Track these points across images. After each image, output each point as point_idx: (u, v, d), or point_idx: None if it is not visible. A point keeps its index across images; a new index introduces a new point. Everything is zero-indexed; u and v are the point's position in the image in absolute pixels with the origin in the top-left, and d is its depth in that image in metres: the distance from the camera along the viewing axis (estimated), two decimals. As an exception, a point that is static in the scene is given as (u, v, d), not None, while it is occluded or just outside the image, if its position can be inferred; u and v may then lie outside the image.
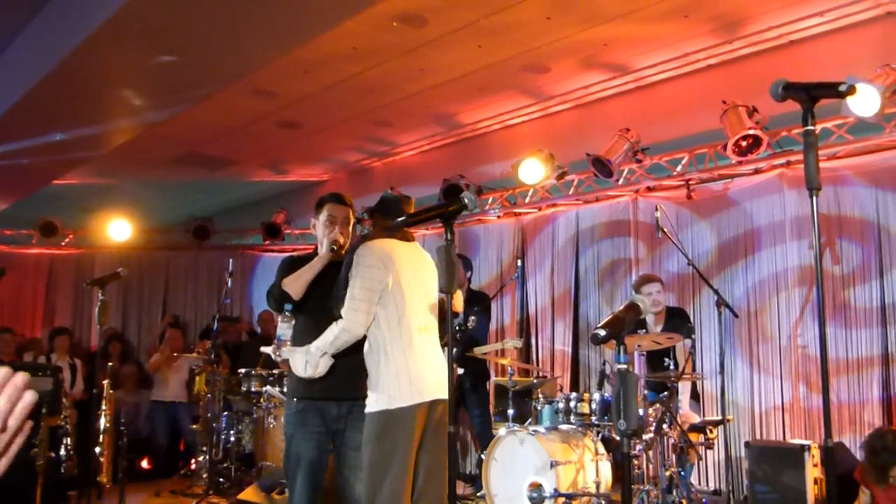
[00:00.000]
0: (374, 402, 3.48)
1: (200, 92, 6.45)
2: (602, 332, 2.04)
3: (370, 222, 3.98)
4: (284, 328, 3.74)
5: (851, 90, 1.98)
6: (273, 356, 3.79)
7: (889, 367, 5.77)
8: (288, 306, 3.79)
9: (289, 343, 3.74)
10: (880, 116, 5.37)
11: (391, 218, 3.57)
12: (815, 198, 2.10)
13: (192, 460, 8.09)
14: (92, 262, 10.01)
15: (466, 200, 2.64)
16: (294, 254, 4.30)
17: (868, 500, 4.44)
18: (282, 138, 8.59)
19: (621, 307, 2.22)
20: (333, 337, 3.51)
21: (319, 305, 3.88)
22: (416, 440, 3.43)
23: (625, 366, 1.99)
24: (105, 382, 6.81)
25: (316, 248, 4.01)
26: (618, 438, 5.32)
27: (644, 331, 5.61)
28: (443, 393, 3.48)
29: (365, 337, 3.65)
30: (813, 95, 2.05)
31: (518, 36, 6.14)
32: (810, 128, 2.08)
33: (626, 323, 2.14)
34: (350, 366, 3.77)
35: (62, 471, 6.52)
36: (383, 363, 3.48)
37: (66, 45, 5.54)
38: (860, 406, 5.85)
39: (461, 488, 6.61)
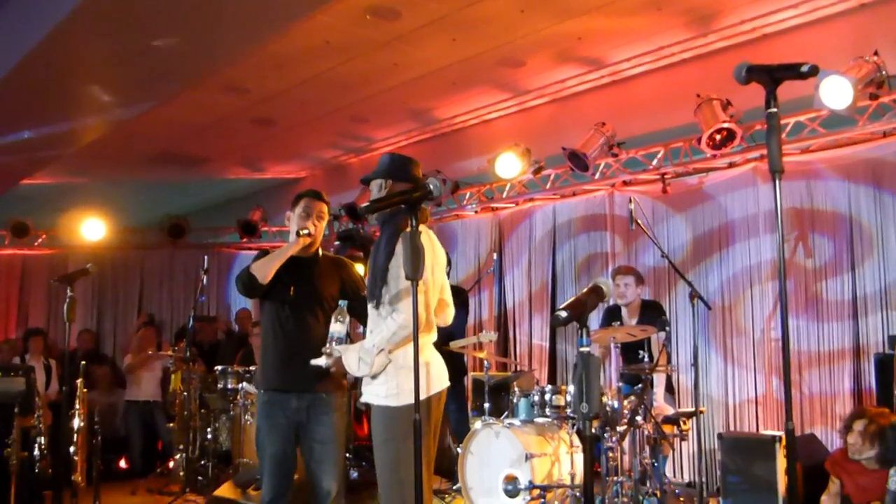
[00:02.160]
0: (394, 397, 3.24)
1: (170, 87, 6.40)
2: (563, 314, 2.02)
3: (388, 188, 3.40)
4: (338, 326, 3.53)
5: (814, 71, 1.99)
6: (324, 357, 3.52)
7: (860, 360, 5.81)
8: (342, 302, 3.65)
9: (336, 342, 3.53)
10: (853, 109, 5.39)
11: (407, 182, 3.28)
12: (778, 180, 2.10)
13: (169, 459, 8.02)
14: (65, 262, 9.86)
15: (431, 187, 2.62)
16: (269, 250, 4.27)
17: (837, 489, 4.46)
18: (256, 135, 8.53)
19: (584, 289, 2.22)
20: (391, 333, 3.23)
21: (303, 302, 3.92)
22: (432, 429, 3.31)
23: (587, 349, 1.98)
24: (78, 382, 6.74)
25: None
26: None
27: (619, 323, 5.61)
28: (447, 381, 3.41)
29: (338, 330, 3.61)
30: (775, 77, 2.05)
31: (492, 29, 6.13)
32: (773, 110, 2.08)
33: (589, 306, 2.13)
34: (310, 360, 3.76)
35: (36, 471, 6.45)
36: (401, 358, 3.26)
37: (31, 38, 5.46)
38: (831, 398, 5.89)
39: (437, 482, 6.58)
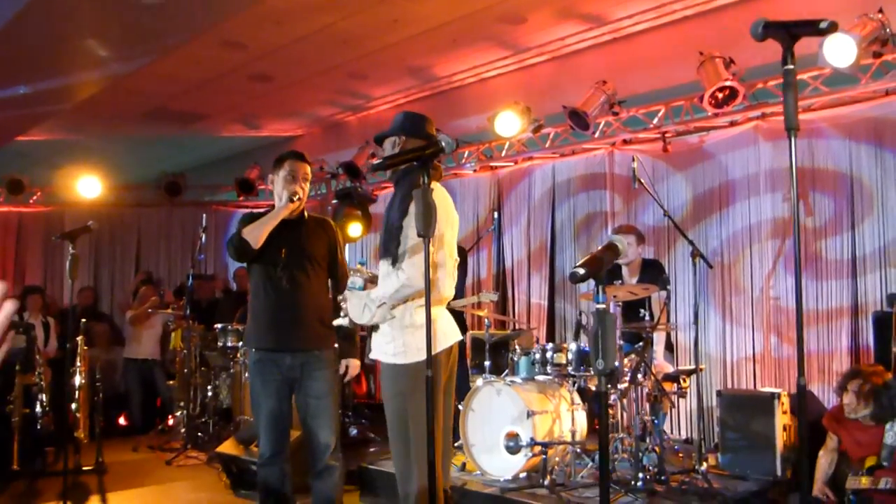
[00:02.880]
0: (402, 355, 3.27)
1: (167, 42, 6.31)
2: (581, 271, 2.03)
3: (402, 144, 3.36)
4: (356, 278, 3.51)
5: (832, 27, 1.97)
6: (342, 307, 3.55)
7: (858, 318, 5.86)
8: (361, 259, 3.70)
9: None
10: (856, 67, 5.36)
11: (421, 138, 3.25)
12: (793, 138, 2.09)
13: (170, 416, 8.08)
14: (62, 219, 9.84)
15: (444, 143, 2.60)
16: (254, 211, 4.34)
17: (835, 445, 4.53)
18: (253, 92, 8.43)
19: (600, 247, 2.22)
20: (394, 290, 3.23)
21: (295, 263, 4.00)
22: (442, 385, 3.36)
23: (603, 305, 1.99)
24: (79, 339, 6.76)
25: (273, 206, 4.11)
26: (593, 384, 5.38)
27: (620, 282, 5.64)
28: (456, 336, 3.45)
29: (323, 292, 3.78)
30: (793, 33, 2.03)
31: (493, -17, 6.04)
32: (790, 67, 2.06)
33: (605, 262, 2.13)
34: (304, 319, 3.96)
35: (38, 427, 6.51)
36: (407, 317, 3.28)
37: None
38: (829, 356, 5.95)
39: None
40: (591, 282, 2.17)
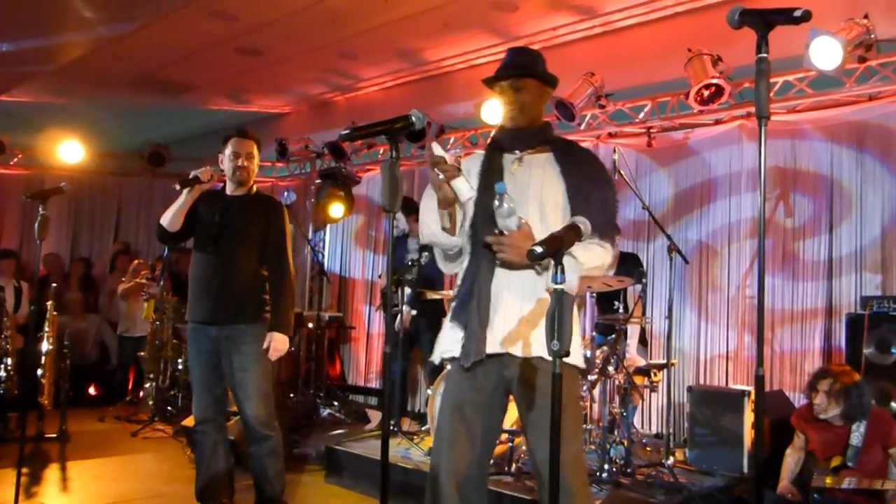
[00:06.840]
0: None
1: (155, 7, 6.21)
2: (539, 249, 1.99)
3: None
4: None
5: (806, 16, 1.96)
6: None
7: (832, 319, 5.89)
8: (501, 187, 3.00)
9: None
10: (841, 71, 5.36)
11: None
12: (763, 127, 2.10)
13: (140, 388, 8.03)
14: (42, 183, 9.66)
15: (414, 118, 2.56)
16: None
17: (802, 443, 4.55)
18: (242, 66, 8.34)
19: (562, 227, 2.20)
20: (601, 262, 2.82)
21: (225, 239, 4.12)
22: None
23: (561, 286, 1.96)
24: (49, 304, 6.68)
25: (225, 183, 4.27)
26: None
27: (595, 273, 5.62)
28: None
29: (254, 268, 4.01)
30: (768, 21, 2.04)
31: (488, -31, 5.99)
32: (763, 55, 2.06)
33: (566, 242, 2.10)
34: (230, 293, 4.05)
35: (1, 392, 6.44)
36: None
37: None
38: (801, 356, 5.99)
39: (406, 424, 6.67)
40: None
